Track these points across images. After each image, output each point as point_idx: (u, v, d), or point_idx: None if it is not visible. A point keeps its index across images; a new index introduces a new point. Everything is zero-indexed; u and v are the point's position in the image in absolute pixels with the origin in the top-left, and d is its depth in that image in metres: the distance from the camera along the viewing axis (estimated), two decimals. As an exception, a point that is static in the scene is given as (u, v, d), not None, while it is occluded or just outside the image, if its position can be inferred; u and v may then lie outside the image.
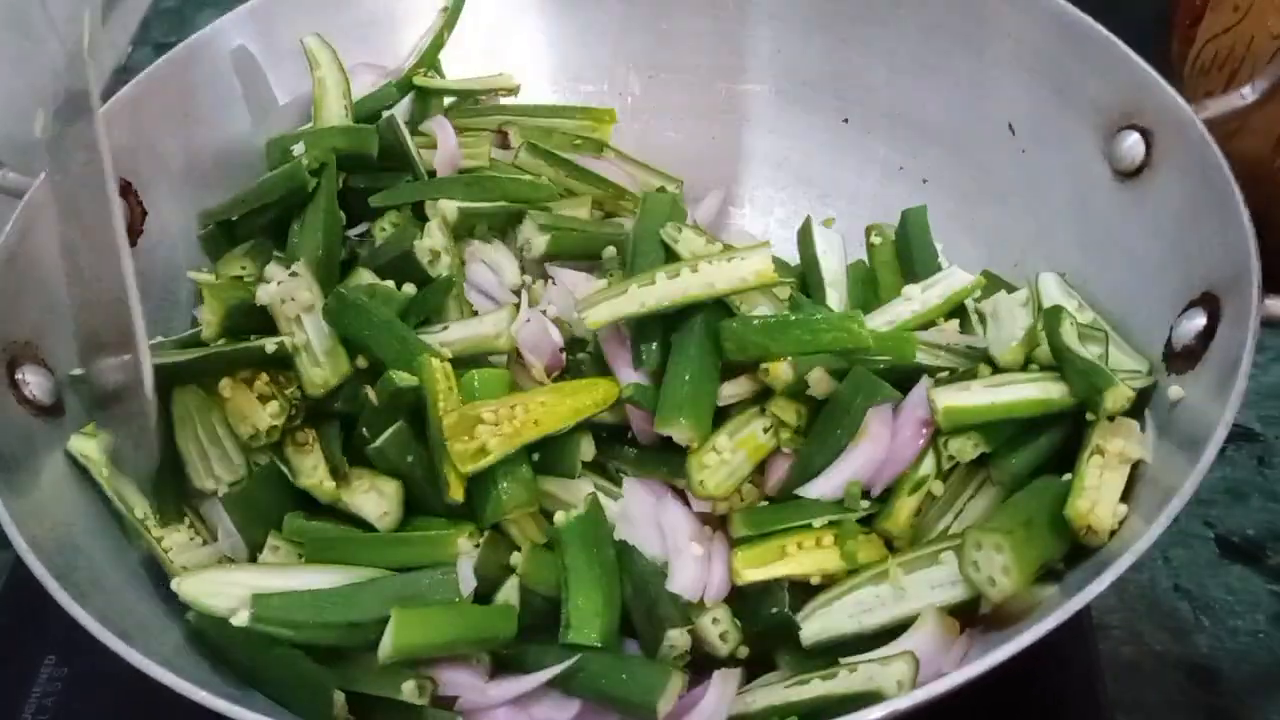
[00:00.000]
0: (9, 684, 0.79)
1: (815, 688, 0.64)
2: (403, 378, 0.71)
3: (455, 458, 0.68)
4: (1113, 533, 0.64)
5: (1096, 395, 0.68)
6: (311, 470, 0.72)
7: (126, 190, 0.82)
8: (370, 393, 0.72)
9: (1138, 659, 0.80)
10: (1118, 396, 0.67)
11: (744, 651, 0.69)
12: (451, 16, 0.96)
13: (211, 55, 0.89)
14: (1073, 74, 0.82)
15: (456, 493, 0.69)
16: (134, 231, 0.83)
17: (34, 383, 0.72)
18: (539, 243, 0.84)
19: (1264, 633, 0.81)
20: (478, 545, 0.69)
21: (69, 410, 0.74)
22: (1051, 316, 0.73)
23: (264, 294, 0.75)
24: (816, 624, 0.67)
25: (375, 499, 0.71)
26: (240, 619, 0.65)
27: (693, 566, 0.69)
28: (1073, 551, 0.66)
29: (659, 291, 0.73)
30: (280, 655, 0.66)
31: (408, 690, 0.64)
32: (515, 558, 0.69)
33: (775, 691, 0.66)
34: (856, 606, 0.67)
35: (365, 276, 0.81)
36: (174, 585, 0.67)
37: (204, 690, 0.57)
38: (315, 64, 0.92)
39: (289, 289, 0.75)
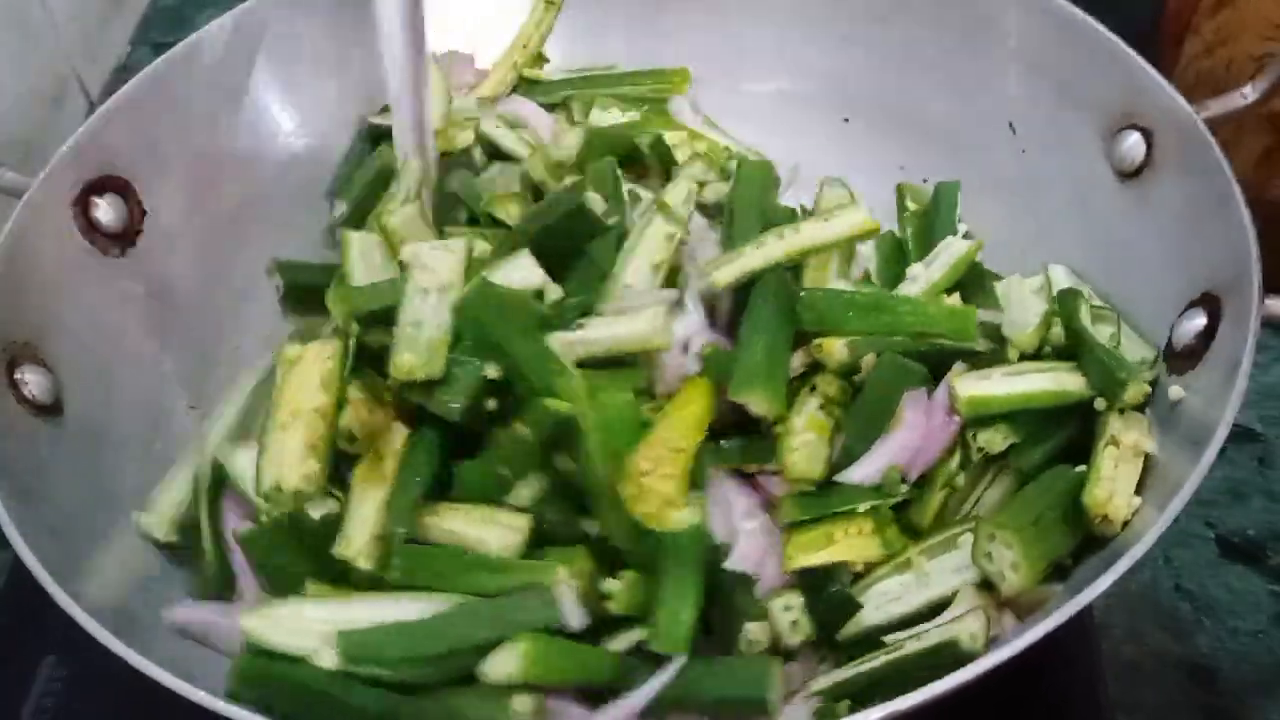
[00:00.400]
0: (9, 684, 0.78)
1: (882, 659, 0.65)
2: (561, 406, 0.65)
3: (659, 523, 0.64)
4: (1125, 523, 0.65)
5: (1118, 388, 0.68)
6: (355, 532, 0.64)
7: (125, 189, 0.82)
8: (518, 428, 0.65)
9: (1138, 659, 0.80)
10: (1139, 390, 0.68)
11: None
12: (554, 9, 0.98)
13: (211, 55, 0.88)
14: (1073, 74, 0.82)
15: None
16: (131, 232, 0.83)
17: (34, 382, 0.72)
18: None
19: (1264, 633, 0.80)
20: (577, 573, 0.64)
21: (69, 410, 0.74)
22: (1068, 300, 0.73)
23: (406, 252, 0.70)
24: (872, 608, 0.68)
25: (502, 532, 0.65)
26: (326, 660, 0.60)
27: (751, 540, 0.68)
28: (1077, 549, 0.66)
29: (779, 247, 0.73)
30: (353, 695, 0.60)
31: (521, 706, 0.60)
32: (610, 585, 0.65)
33: (839, 671, 0.66)
34: (883, 597, 0.68)
35: (521, 260, 0.73)
36: (241, 625, 0.62)
37: (204, 690, 0.57)
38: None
39: (432, 258, 0.69)
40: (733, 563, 0.67)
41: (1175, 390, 0.68)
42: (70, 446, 0.73)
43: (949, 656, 0.62)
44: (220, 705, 0.56)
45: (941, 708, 0.55)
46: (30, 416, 0.72)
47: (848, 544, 0.68)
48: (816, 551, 0.67)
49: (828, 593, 0.68)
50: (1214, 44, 0.91)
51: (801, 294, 0.73)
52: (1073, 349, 0.73)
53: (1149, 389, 0.68)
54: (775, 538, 0.69)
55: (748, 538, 0.68)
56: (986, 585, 0.67)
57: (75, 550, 0.68)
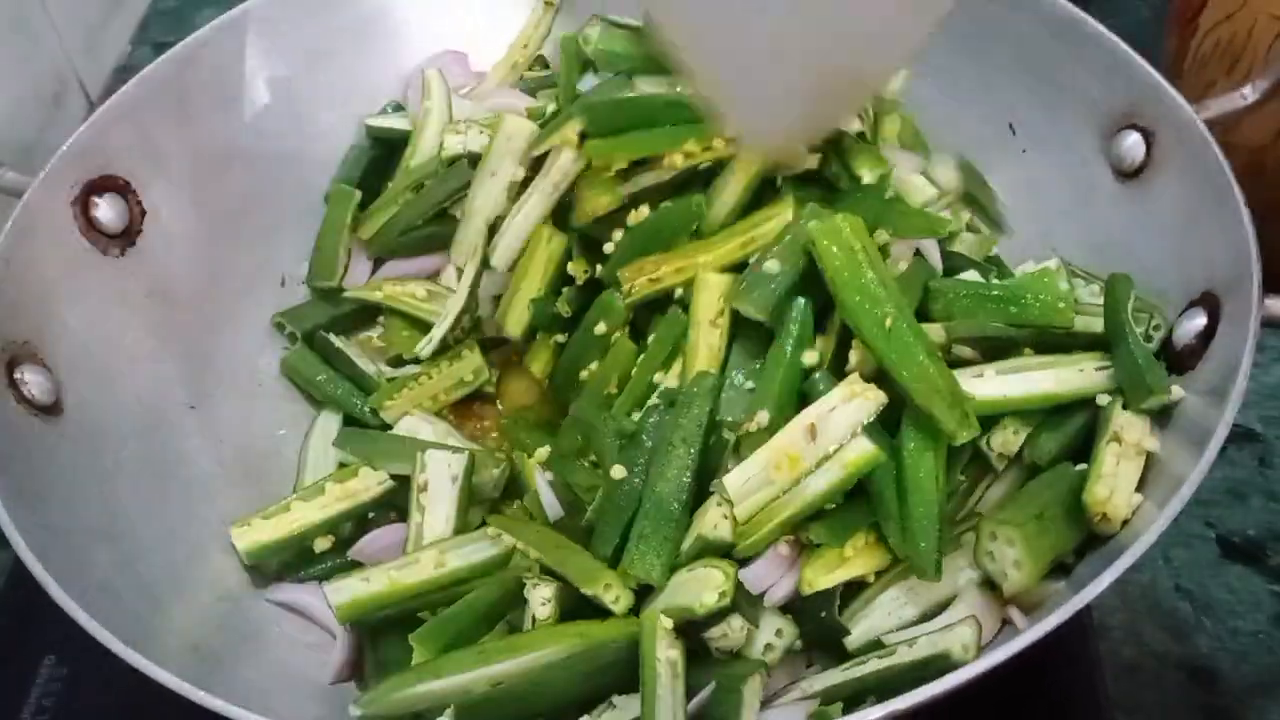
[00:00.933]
0: (9, 684, 0.78)
1: (873, 665, 0.65)
2: None
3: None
4: (1125, 522, 0.65)
5: (1144, 393, 0.68)
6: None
7: (125, 189, 0.82)
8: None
9: (1138, 659, 0.80)
10: (1160, 401, 0.68)
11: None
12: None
13: (211, 55, 0.88)
14: (1073, 74, 0.82)
15: None
16: (131, 232, 0.83)
17: (33, 382, 0.72)
18: None
19: (1264, 633, 0.80)
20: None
21: (68, 410, 0.74)
22: (1119, 287, 0.72)
23: None
24: (861, 626, 0.68)
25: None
26: None
27: (771, 563, 0.67)
28: (1079, 547, 0.66)
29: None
30: None
31: None
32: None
33: (832, 675, 0.66)
34: (894, 602, 0.68)
35: None
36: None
37: (203, 690, 0.57)
38: (427, 94, 0.92)
39: None
40: (741, 570, 0.67)
41: (1175, 390, 0.68)
42: (70, 446, 0.73)
43: (938, 668, 0.61)
44: (219, 705, 0.56)
45: (942, 706, 0.55)
46: (30, 416, 0.72)
47: (859, 559, 0.68)
48: (832, 571, 0.67)
49: (819, 618, 0.67)
50: (1233, 9, 0.90)
51: (931, 284, 0.74)
52: (1103, 339, 0.72)
53: (1168, 400, 0.68)
54: (793, 557, 0.68)
55: (772, 557, 0.67)
56: (989, 584, 0.67)
57: (75, 550, 0.68)
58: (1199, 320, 0.69)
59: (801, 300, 0.71)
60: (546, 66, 0.98)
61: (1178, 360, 0.70)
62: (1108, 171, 0.80)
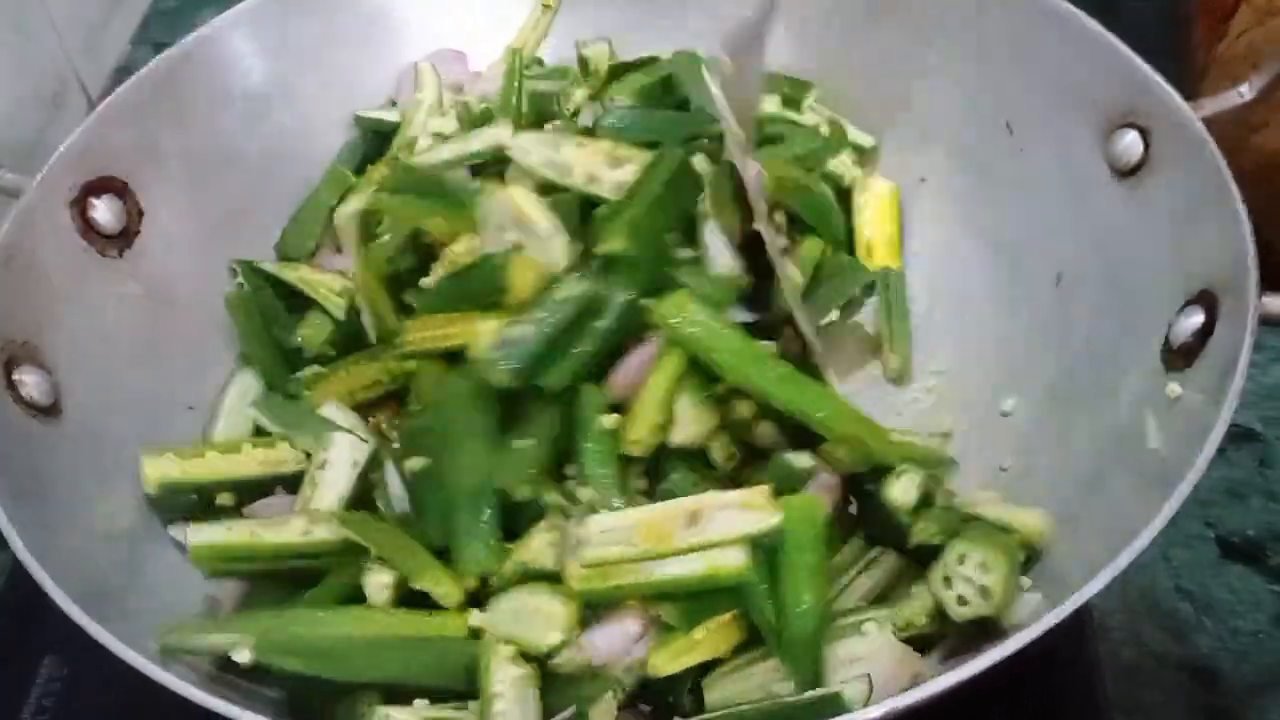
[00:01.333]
0: (8, 684, 0.78)
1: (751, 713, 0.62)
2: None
3: None
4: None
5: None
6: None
7: (123, 190, 0.82)
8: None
9: (1138, 660, 0.80)
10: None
11: None
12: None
13: (210, 55, 0.89)
14: (1071, 73, 0.81)
15: None
16: (130, 232, 0.83)
17: (32, 383, 0.72)
18: None
19: (1265, 633, 0.80)
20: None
21: (68, 410, 0.74)
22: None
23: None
24: (720, 694, 0.64)
25: None
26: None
27: (614, 636, 0.64)
28: (1073, 549, 0.67)
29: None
30: None
31: None
32: None
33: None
34: (767, 677, 0.64)
35: None
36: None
37: (203, 690, 0.57)
38: (419, 86, 0.93)
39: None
40: (587, 648, 0.64)
41: (1173, 388, 0.68)
42: (70, 447, 0.73)
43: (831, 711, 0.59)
44: (219, 705, 0.56)
45: (941, 706, 0.55)
46: (29, 417, 0.72)
47: (710, 640, 0.64)
48: (680, 657, 0.63)
49: (662, 698, 0.66)
50: (1267, 14, 0.90)
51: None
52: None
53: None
54: (641, 633, 0.65)
55: (619, 632, 0.64)
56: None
57: (75, 550, 0.68)
58: (1197, 318, 0.69)
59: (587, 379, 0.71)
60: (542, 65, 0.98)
61: (1175, 358, 0.70)
62: (1105, 170, 0.80)
